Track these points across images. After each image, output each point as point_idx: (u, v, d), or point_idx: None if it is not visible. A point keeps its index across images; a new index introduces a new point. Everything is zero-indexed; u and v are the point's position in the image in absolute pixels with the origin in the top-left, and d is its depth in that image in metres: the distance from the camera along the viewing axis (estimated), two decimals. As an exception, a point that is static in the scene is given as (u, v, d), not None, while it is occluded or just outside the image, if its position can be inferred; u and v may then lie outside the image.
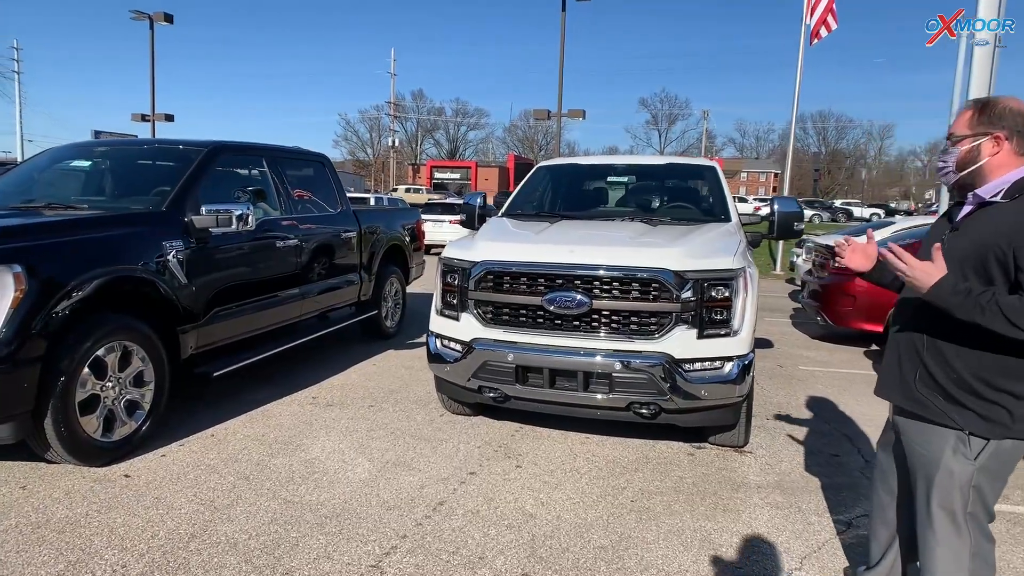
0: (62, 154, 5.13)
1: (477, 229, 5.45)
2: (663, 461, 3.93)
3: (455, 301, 4.03)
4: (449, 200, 20.61)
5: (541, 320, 3.75)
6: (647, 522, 3.19)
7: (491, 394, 3.90)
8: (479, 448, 4.08)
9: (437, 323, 4.16)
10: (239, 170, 5.09)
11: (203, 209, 4.27)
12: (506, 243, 4.01)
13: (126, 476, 3.54)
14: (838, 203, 51.04)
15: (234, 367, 4.56)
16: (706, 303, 3.56)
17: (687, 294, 3.53)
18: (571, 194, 5.55)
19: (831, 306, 7.05)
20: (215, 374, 4.39)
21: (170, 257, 4.06)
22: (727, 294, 3.59)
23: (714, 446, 4.16)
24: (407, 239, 7.42)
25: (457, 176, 51.03)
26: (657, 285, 3.54)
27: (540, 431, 4.38)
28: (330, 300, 5.95)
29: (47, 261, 3.37)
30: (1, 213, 4.08)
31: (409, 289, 7.74)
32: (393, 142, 60.28)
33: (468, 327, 3.92)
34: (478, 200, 5.51)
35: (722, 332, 3.60)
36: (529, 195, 5.47)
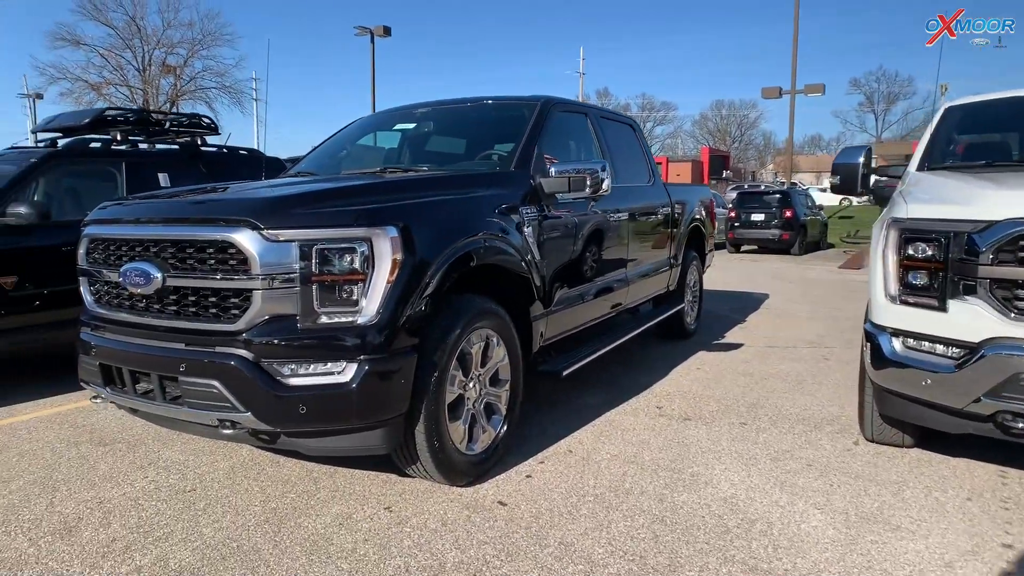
0: (373, 122, 4.67)
1: (860, 192, 4.10)
2: None
3: (932, 283, 2.72)
4: None
5: None
6: None
7: (1022, 424, 2.54)
8: (971, 501, 2.74)
9: (895, 315, 2.88)
10: (567, 133, 4.25)
11: (552, 170, 3.41)
12: None
13: (501, 504, 2.74)
14: None
15: (580, 364, 3.67)
16: None
17: None
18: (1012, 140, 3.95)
19: None
20: (565, 372, 3.53)
21: (526, 227, 3.25)
22: None
23: None
24: (706, 219, 6.22)
25: (647, 173, 49.10)
26: None
27: (1044, 480, 2.93)
28: (648, 288, 4.95)
29: (417, 224, 2.63)
30: (342, 177, 3.57)
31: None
32: (580, 141, 59.73)
33: (972, 321, 2.59)
34: (860, 158, 4.11)
35: None
36: (949, 143, 3.98)
